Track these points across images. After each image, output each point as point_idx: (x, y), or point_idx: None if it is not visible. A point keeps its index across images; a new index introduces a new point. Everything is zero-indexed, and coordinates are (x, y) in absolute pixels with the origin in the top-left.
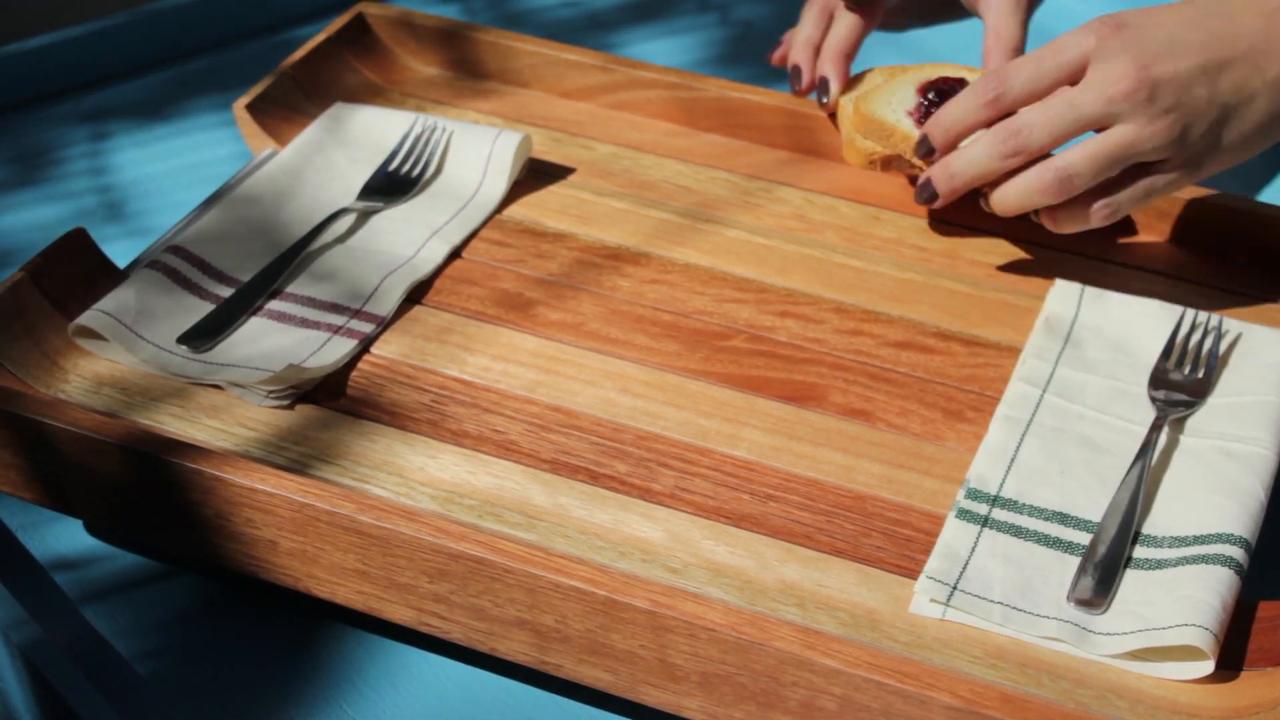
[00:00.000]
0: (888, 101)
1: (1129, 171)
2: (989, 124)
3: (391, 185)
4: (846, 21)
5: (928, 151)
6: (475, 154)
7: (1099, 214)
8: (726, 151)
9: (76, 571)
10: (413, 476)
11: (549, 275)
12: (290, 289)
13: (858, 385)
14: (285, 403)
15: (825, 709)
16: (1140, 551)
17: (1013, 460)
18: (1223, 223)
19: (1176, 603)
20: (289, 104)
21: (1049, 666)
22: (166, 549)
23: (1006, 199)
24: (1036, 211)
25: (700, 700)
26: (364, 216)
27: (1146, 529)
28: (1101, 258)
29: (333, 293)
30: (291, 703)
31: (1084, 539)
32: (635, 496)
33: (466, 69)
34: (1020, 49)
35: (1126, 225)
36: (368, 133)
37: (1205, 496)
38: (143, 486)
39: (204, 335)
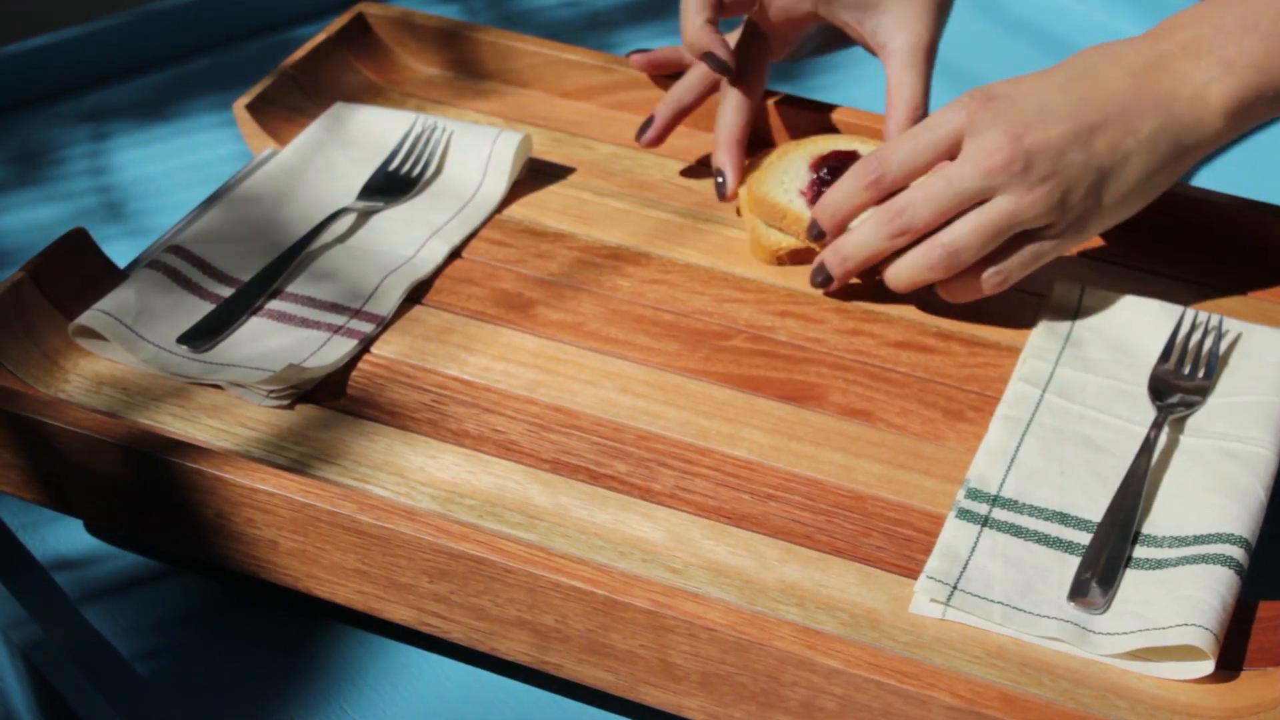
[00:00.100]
0: (779, 181)
1: (1015, 239)
2: (873, 204)
3: (391, 185)
4: (733, 103)
5: (818, 235)
6: (475, 154)
7: (990, 283)
8: None
9: (76, 571)
10: (413, 476)
11: (549, 275)
12: (290, 289)
13: (858, 385)
14: (285, 402)
15: (825, 709)
16: (1140, 551)
17: (1013, 460)
18: (1223, 223)
19: (1176, 603)
20: (289, 104)
21: (1049, 666)
22: (166, 549)
23: (899, 276)
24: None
25: (700, 700)
26: (364, 216)
27: (1146, 529)
28: (1101, 258)
29: (333, 292)
30: (291, 703)
31: (1084, 539)
32: (636, 496)
33: (466, 69)
34: (921, 103)
35: (1126, 225)
36: (368, 133)
37: (1205, 496)
38: (143, 486)
39: (204, 335)
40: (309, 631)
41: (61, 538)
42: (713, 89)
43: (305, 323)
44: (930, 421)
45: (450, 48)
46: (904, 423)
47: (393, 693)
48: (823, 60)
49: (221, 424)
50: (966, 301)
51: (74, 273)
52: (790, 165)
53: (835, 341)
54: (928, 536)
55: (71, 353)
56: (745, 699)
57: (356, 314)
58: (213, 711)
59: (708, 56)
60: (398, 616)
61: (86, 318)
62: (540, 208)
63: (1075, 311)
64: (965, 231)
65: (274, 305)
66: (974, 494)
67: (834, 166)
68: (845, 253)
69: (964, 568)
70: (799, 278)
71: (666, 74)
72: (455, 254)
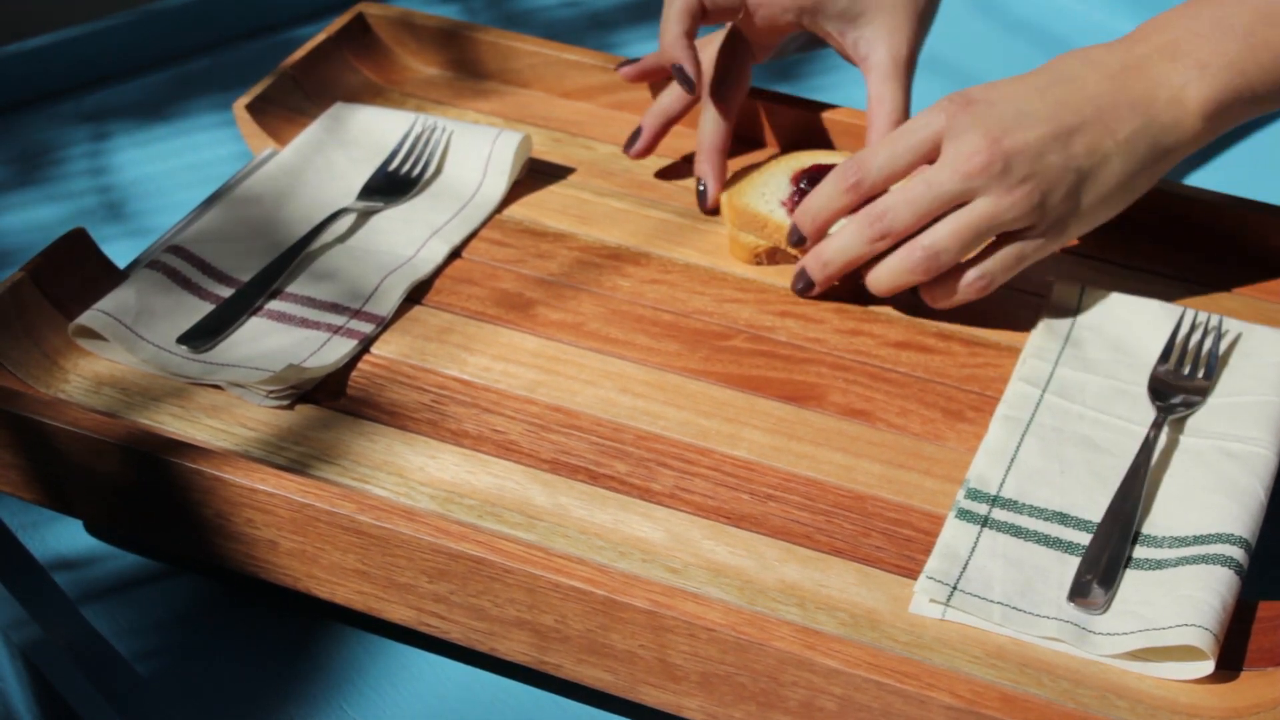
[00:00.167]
0: (761, 193)
1: (997, 242)
2: (853, 209)
3: (391, 185)
4: (713, 112)
5: (799, 240)
6: (475, 154)
7: (974, 287)
8: None
9: (76, 571)
10: (413, 476)
11: (549, 275)
12: (290, 289)
13: (858, 385)
14: (285, 403)
15: (825, 709)
16: (1140, 551)
17: (1013, 460)
18: (1223, 223)
19: (1176, 603)
20: (289, 104)
21: (1049, 666)
22: (166, 549)
23: (880, 280)
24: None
25: (700, 700)
26: (364, 216)
27: (1146, 529)
28: (1101, 258)
29: (333, 293)
30: (291, 703)
31: (1084, 539)
32: (635, 496)
33: (466, 69)
34: (903, 114)
35: (1127, 225)
36: (368, 133)
37: (1205, 496)
38: (143, 486)
39: (204, 335)
40: (309, 631)
41: (61, 538)
42: (699, 99)
43: (305, 323)
44: (930, 421)
45: (450, 48)
46: (904, 423)
47: (392, 693)
48: (817, 61)
49: (221, 424)
50: (950, 306)
51: (74, 273)
52: (771, 178)
53: (835, 341)
54: (927, 536)
55: (71, 353)
56: (745, 699)
57: (356, 314)
58: (213, 711)
59: (676, 70)
60: (397, 616)
61: (86, 318)
62: (540, 208)
63: (1075, 311)
64: (945, 234)
65: (274, 305)
66: (974, 494)
67: (815, 177)
68: (826, 258)
69: (964, 568)
70: None
71: (658, 80)
72: (455, 254)
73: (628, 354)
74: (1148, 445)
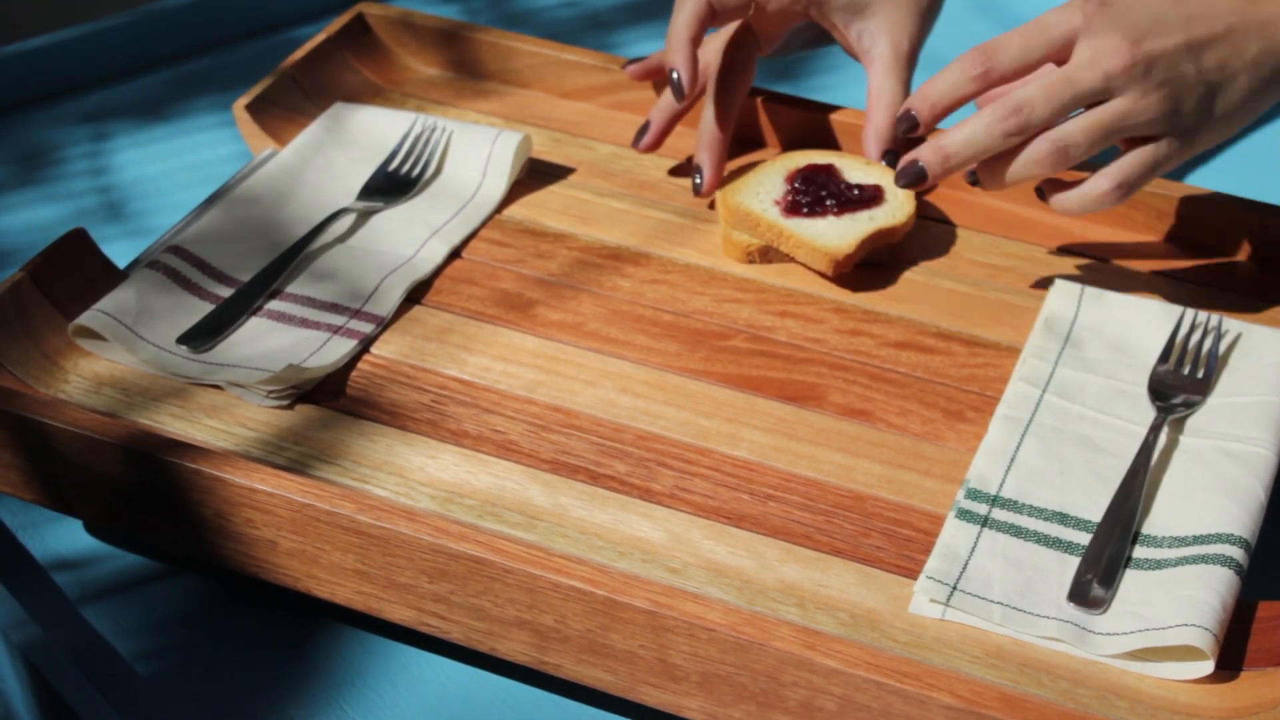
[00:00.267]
0: (755, 191)
1: (1130, 146)
2: (976, 96)
3: (391, 185)
4: (715, 105)
5: (911, 127)
6: (475, 154)
7: (1110, 194)
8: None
9: (76, 571)
10: (413, 476)
11: (549, 275)
12: (290, 289)
13: (858, 385)
14: (285, 403)
15: (825, 709)
16: (1140, 552)
17: (1012, 460)
18: (1223, 223)
19: (1176, 603)
20: (289, 104)
21: (1049, 666)
22: (166, 549)
23: (1002, 172)
24: (1042, 191)
25: (700, 700)
26: (364, 216)
27: (1146, 529)
28: (1101, 258)
29: (332, 293)
30: (291, 703)
31: (1084, 539)
32: (635, 496)
33: (466, 69)
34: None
35: (1127, 225)
36: (367, 133)
37: (1205, 496)
38: (143, 486)
39: (204, 335)
40: (309, 631)
41: (61, 538)
42: (703, 92)
43: (305, 323)
44: (930, 422)
45: (450, 48)
46: (904, 423)
47: (392, 693)
48: (818, 60)
49: (221, 424)
50: (1080, 214)
51: (74, 273)
52: (766, 177)
53: (835, 341)
54: (927, 537)
55: (71, 353)
56: (745, 699)
57: (356, 314)
58: (213, 711)
59: (672, 73)
60: (397, 616)
61: (86, 318)
62: (540, 208)
63: (1075, 311)
64: (1076, 129)
65: (274, 305)
66: (974, 494)
67: (809, 177)
68: (950, 150)
69: (964, 568)
70: (799, 278)
71: (663, 79)
72: (455, 254)
73: (628, 354)
74: (1148, 445)
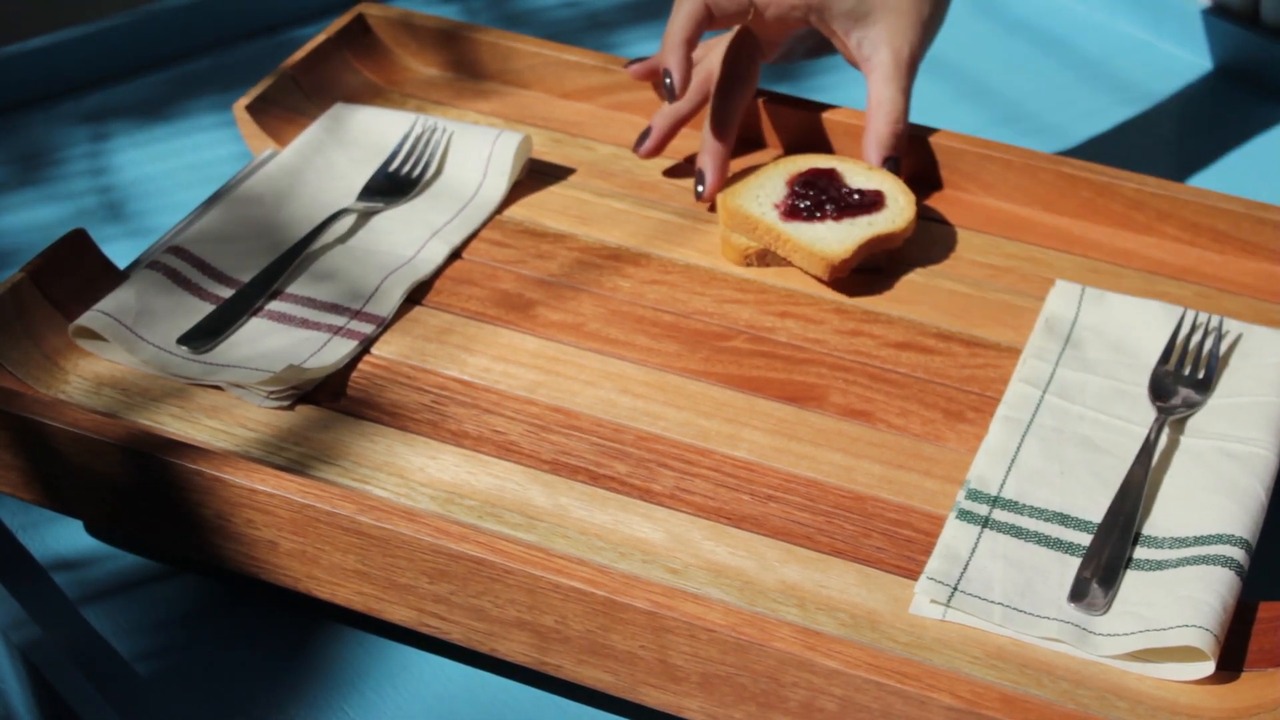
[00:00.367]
0: (755, 195)
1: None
2: None
3: (392, 186)
4: (719, 110)
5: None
6: (475, 154)
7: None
8: None
9: (76, 571)
10: (413, 477)
11: (549, 276)
12: (290, 289)
13: (858, 386)
14: (285, 403)
15: (825, 709)
16: (1140, 552)
17: (1013, 461)
18: (1223, 223)
19: (1177, 603)
20: (289, 104)
21: (1049, 667)
22: (166, 549)
23: None
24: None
25: (700, 701)
26: (364, 217)
27: (1147, 530)
28: (1101, 258)
29: (333, 293)
30: (291, 703)
31: (1084, 540)
32: (635, 497)
33: (466, 69)
34: (902, 117)
35: (1127, 225)
36: (368, 133)
37: (1205, 497)
38: (142, 487)
39: (204, 336)
40: (309, 632)
41: (61, 538)
42: (707, 98)
43: (305, 323)
44: (930, 422)
45: (450, 48)
46: (904, 423)
47: (393, 693)
48: (819, 62)
49: (221, 425)
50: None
51: (74, 273)
52: (767, 180)
53: (835, 342)
54: (928, 537)
55: (71, 353)
56: (745, 700)
57: (356, 315)
58: (212, 712)
59: (665, 74)
60: (397, 617)
61: (86, 318)
62: (540, 208)
63: (1075, 312)
64: None
65: (274, 306)
66: (974, 495)
67: (809, 181)
68: None
69: (964, 569)
70: (800, 278)
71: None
72: (455, 255)
73: (628, 355)
74: (1148, 446)
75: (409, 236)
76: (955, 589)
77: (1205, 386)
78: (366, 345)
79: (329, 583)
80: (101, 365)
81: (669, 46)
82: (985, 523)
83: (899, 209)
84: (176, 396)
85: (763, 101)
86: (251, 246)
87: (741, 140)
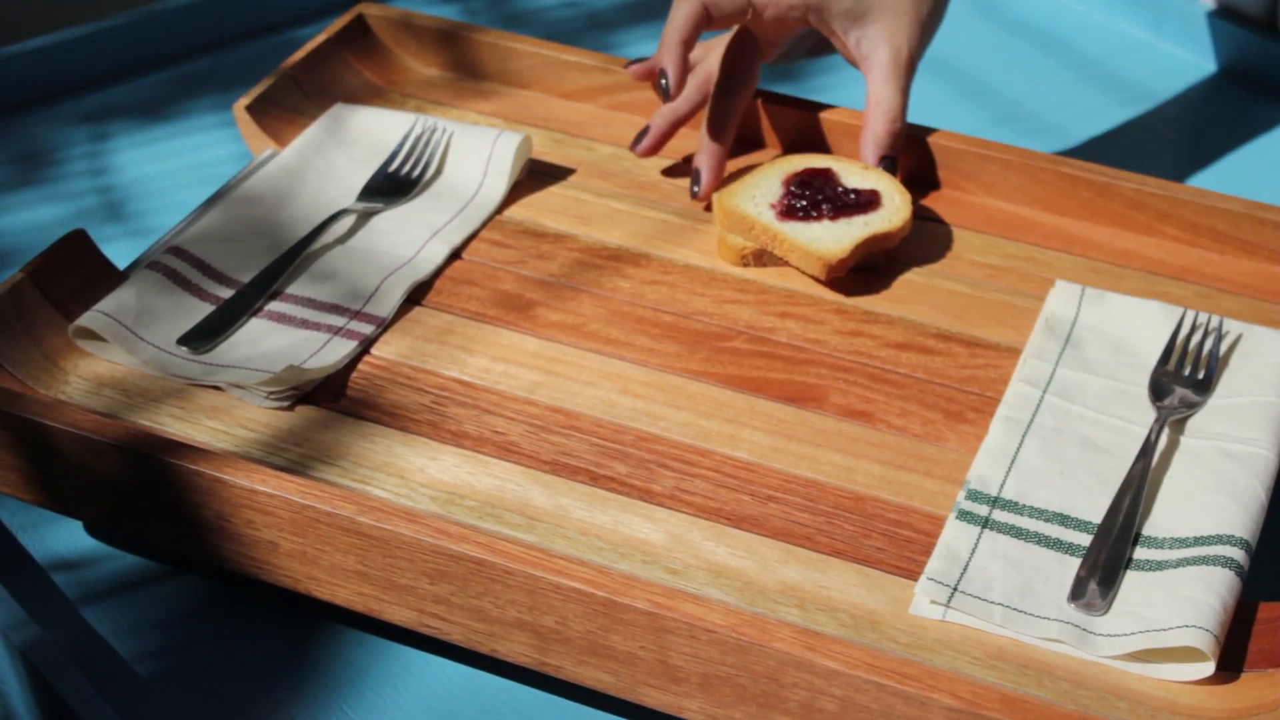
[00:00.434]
0: (751, 195)
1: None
2: None
3: (391, 186)
4: (718, 110)
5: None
6: (475, 155)
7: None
8: None
9: (76, 572)
10: (413, 478)
11: (549, 276)
12: (290, 290)
13: (858, 386)
14: (285, 404)
15: (825, 710)
16: (1141, 553)
17: (1013, 461)
18: (1223, 223)
19: (1177, 604)
20: (289, 105)
21: (1049, 668)
22: (166, 549)
23: None
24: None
25: (700, 701)
26: (364, 217)
27: (1147, 530)
28: (1101, 258)
29: (333, 293)
30: (291, 703)
31: (1084, 540)
32: (636, 498)
33: (466, 70)
34: (899, 116)
35: (1127, 225)
36: (368, 133)
37: (1205, 497)
38: (143, 488)
39: (204, 336)
40: (309, 632)
41: (61, 538)
42: (706, 98)
43: (305, 324)
44: (930, 423)
45: (450, 48)
46: (904, 424)
47: (393, 694)
48: (818, 61)
49: (221, 425)
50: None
51: (74, 273)
52: (763, 180)
53: (835, 342)
54: (928, 538)
55: (71, 354)
56: (745, 700)
57: (356, 315)
58: (212, 712)
59: (660, 74)
60: (398, 618)
61: (86, 319)
62: (540, 208)
63: (1075, 312)
64: None
65: (274, 306)
66: (974, 495)
67: (805, 181)
68: None
69: (964, 569)
70: (799, 279)
71: None
72: (455, 255)
73: (628, 355)
74: (1148, 446)
75: (409, 237)
76: (955, 589)
77: (1205, 387)
78: (366, 346)
79: (329, 583)
80: (101, 365)
81: (666, 47)
82: (985, 523)
83: (895, 208)
84: (176, 397)
85: (762, 101)
86: (251, 247)
87: (740, 140)
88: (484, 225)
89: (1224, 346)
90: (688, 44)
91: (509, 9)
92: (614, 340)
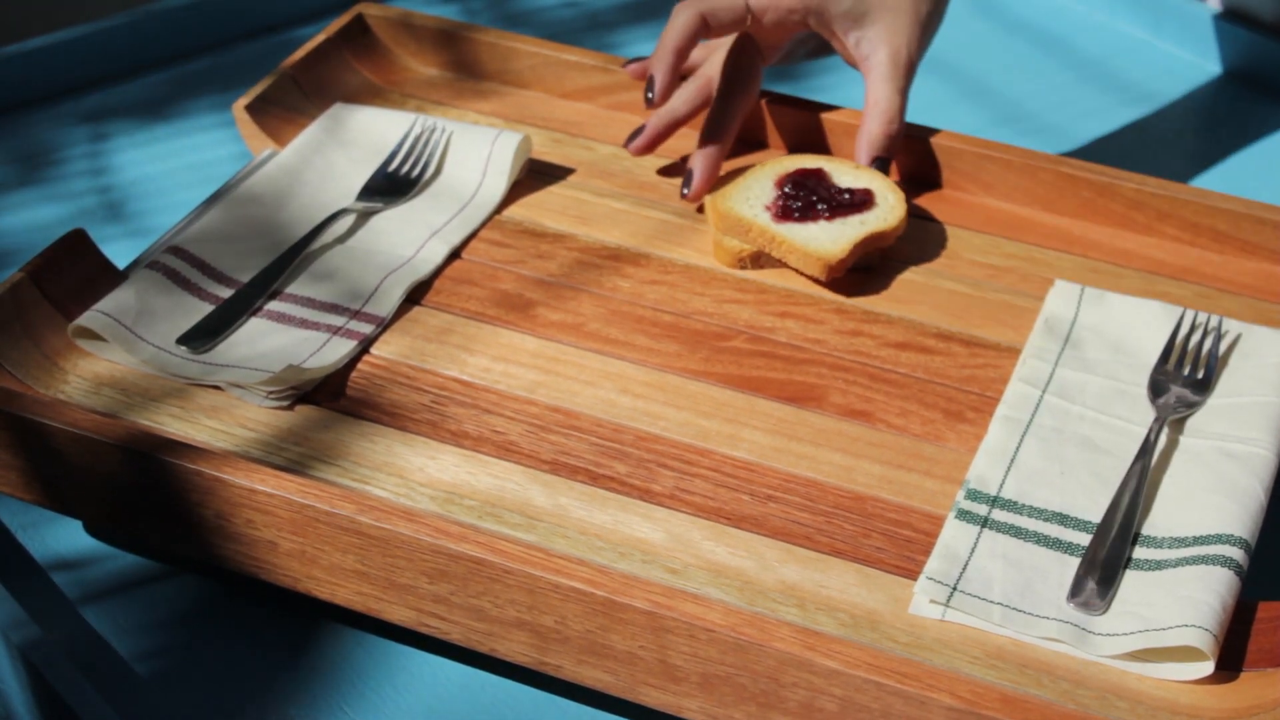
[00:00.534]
0: (745, 197)
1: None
2: None
3: (391, 186)
4: (718, 112)
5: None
6: (475, 154)
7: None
8: None
9: (76, 571)
10: (413, 477)
11: (549, 276)
12: (290, 289)
13: (858, 386)
14: (285, 403)
15: (825, 710)
16: (1140, 552)
17: (1012, 461)
18: (1223, 223)
19: (1176, 603)
20: (289, 104)
21: (1049, 667)
22: (166, 549)
23: None
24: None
25: (700, 701)
26: (364, 217)
27: (1146, 530)
28: (1101, 258)
29: (332, 293)
30: (291, 703)
31: (1084, 540)
32: (635, 497)
33: (466, 70)
34: (897, 116)
35: (1127, 225)
36: (367, 133)
37: (1205, 497)
38: (143, 487)
39: (204, 336)
40: (309, 631)
41: (61, 538)
42: (706, 102)
43: (305, 323)
44: (930, 422)
45: (450, 48)
46: (904, 423)
47: (392, 693)
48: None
49: (221, 425)
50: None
51: (74, 273)
52: (756, 182)
53: (835, 342)
54: (927, 537)
55: (71, 353)
56: (745, 700)
57: (356, 315)
58: (212, 712)
59: (648, 81)
60: (397, 617)
61: (86, 319)
62: (540, 208)
63: (1075, 312)
64: None
65: (273, 306)
66: (974, 495)
67: (798, 182)
68: None
69: (964, 568)
70: (798, 279)
71: None
72: (455, 255)
73: (628, 355)
74: (1148, 446)
75: (408, 236)
76: (955, 589)
77: (1205, 386)
78: (366, 345)
79: (329, 583)
80: (101, 365)
81: (658, 54)
82: (985, 523)
83: (889, 206)
84: (176, 396)
85: (763, 101)
86: (251, 246)
87: (741, 139)
88: (484, 225)
89: (1224, 346)
90: (681, 53)
91: (509, 9)
92: (614, 340)
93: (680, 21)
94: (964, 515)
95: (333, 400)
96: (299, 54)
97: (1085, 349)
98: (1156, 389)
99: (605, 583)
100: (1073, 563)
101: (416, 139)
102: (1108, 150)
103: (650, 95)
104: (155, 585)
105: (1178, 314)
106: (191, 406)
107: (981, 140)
